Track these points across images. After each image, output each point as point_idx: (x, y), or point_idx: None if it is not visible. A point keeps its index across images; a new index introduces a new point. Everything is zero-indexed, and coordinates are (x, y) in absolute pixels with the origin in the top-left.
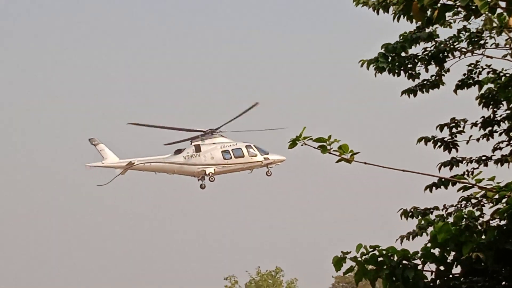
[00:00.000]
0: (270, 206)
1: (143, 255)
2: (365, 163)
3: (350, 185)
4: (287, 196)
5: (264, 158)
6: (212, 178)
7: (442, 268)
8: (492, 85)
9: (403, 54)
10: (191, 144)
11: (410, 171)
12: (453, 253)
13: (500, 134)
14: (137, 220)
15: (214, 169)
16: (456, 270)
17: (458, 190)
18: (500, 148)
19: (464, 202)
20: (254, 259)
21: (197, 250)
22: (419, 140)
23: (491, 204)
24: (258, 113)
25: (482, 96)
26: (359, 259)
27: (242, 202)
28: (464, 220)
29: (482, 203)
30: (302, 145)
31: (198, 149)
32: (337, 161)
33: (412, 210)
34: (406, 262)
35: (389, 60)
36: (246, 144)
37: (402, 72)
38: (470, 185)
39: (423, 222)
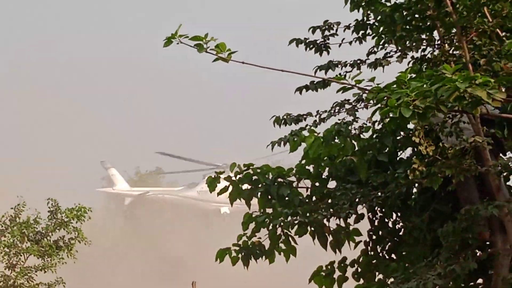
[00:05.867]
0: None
1: None
2: (243, 62)
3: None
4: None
5: None
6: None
7: (317, 184)
8: None
9: None
10: (204, 178)
11: (289, 71)
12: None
13: (373, 38)
14: None
15: (228, 208)
16: (333, 184)
17: (337, 91)
18: (374, 52)
19: (338, 108)
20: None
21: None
22: (291, 42)
23: (365, 110)
24: None
25: None
26: (234, 178)
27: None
28: (336, 128)
29: (356, 108)
30: (177, 43)
31: None
32: (214, 60)
33: (285, 117)
34: (281, 180)
35: None
36: None
37: None
38: (349, 86)
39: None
